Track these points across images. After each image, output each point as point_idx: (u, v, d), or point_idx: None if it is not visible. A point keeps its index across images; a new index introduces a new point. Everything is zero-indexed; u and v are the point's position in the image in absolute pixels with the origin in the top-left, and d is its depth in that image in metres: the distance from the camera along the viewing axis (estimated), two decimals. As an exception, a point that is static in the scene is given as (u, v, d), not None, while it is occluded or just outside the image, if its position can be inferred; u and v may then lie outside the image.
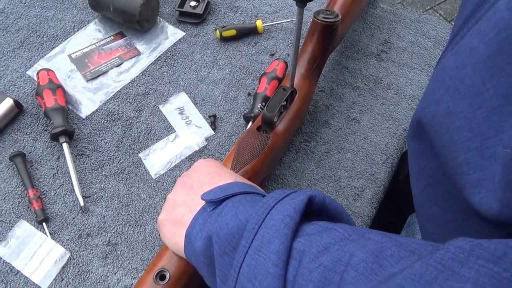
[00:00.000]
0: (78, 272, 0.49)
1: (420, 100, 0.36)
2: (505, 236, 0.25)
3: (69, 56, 0.65)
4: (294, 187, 0.56)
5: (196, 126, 0.60)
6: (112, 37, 0.68)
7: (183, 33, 0.69)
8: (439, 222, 0.35)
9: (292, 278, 0.26)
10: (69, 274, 0.49)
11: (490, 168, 0.25)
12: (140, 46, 0.67)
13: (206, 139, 0.59)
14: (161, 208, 0.48)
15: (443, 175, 0.32)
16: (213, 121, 0.60)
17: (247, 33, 0.68)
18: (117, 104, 0.62)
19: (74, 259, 0.50)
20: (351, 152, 0.59)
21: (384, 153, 0.59)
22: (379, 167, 0.58)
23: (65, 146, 0.55)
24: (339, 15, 0.52)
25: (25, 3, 0.70)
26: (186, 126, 0.60)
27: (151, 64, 0.66)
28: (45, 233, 0.51)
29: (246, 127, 0.60)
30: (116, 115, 0.61)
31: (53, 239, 0.51)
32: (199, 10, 0.69)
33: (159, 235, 0.52)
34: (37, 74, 0.59)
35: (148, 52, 0.67)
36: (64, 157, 0.55)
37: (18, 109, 0.59)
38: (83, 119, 0.60)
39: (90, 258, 0.50)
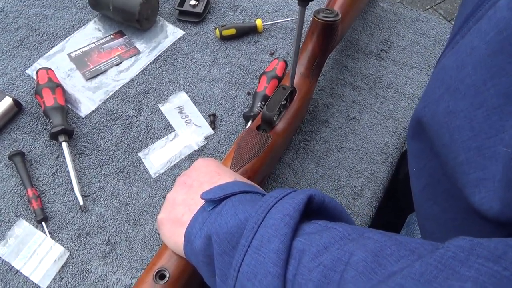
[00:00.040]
0: (77, 271, 0.49)
1: (420, 99, 0.36)
2: (505, 235, 0.25)
3: (69, 55, 0.65)
4: (293, 186, 0.56)
5: (195, 125, 0.60)
6: (112, 36, 0.68)
7: (183, 32, 0.69)
8: (439, 222, 0.35)
9: (291, 277, 0.26)
10: (68, 274, 0.49)
11: (490, 168, 0.25)
12: (139, 45, 0.67)
13: (206, 138, 0.59)
14: (160, 207, 0.48)
15: (443, 174, 0.32)
16: (213, 120, 0.60)
17: (246, 32, 0.68)
18: (117, 103, 0.61)
19: (73, 258, 0.50)
20: (350, 151, 0.59)
21: (384, 152, 0.59)
22: (379, 166, 0.58)
23: (64, 145, 0.55)
24: (339, 14, 0.52)
25: (24, 2, 0.70)
26: (186, 125, 0.60)
27: (150, 63, 0.65)
28: (45, 232, 0.51)
29: (245, 126, 0.59)
30: (115, 114, 0.61)
31: (53, 238, 0.51)
32: (199, 9, 0.69)
33: (159, 234, 0.52)
34: (37, 73, 0.59)
35: (147, 51, 0.66)
36: (64, 156, 0.55)
37: (17, 108, 0.59)
38: (83, 118, 0.60)
39: (89, 258, 0.50)
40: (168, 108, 0.61)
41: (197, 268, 0.34)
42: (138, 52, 0.66)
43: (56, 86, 0.58)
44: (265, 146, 0.46)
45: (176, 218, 0.36)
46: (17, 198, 0.53)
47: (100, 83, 0.63)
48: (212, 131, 0.60)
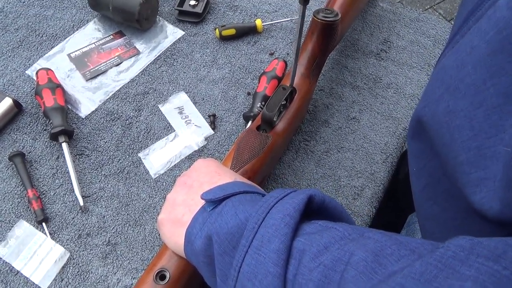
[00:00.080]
0: (78, 272, 0.49)
1: (420, 99, 0.36)
2: (505, 235, 0.25)
3: (69, 55, 0.65)
4: (293, 187, 0.56)
5: (195, 125, 0.60)
6: (112, 36, 0.68)
7: (183, 32, 0.69)
8: (439, 221, 0.35)
9: (292, 277, 0.26)
10: (68, 274, 0.49)
11: (491, 167, 0.25)
12: (139, 45, 0.67)
13: (206, 139, 0.59)
14: (160, 208, 0.47)
15: (443, 174, 0.32)
16: (213, 121, 0.60)
17: (246, 32, 0.68)
18: (117, 104, 0.61)
19: (73, 259, 0.50)
20: (350, 151, 0.59)
21: (384, 152, 0.59)
22: (379, 166, 0.58)
23: (64, 145, 0.55)
24: (338, 14, 0.52)
25: (24, 2, 0.70)
26: (186, 125, 0.60)
27: (150, 63, 0.65)
28: (45, 233, 0.51)
29: (245, 127, 0.59)
30: (115, 115, 0.61)
31: (53, 239, 0.51)
32: (199, 9, 0.69)
33: (159, 234, 0.52)
34: (36, 73, 0.59)
35: (147, 51, 0.67)
36: (64, 157, 0.55)
37: (17, 109, 0.59)
38: (83, 118, 0.60)
39: (90, 258, 0.50)
40: (168, 109, 0.61)
41: (197, 268, 0.34)
42: (138, 53, 0.66)
43: (56, 87, 0.58)
44: (265, 146, 0.46)
45: (176, 219, 0.36)
46: (17, 199, 0.53)
47: (100, 83, 0.63)
48: (212, 132, 0.60)
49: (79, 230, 0.52)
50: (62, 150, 0.55)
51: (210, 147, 0.58)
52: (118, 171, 0.56)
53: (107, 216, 0.53)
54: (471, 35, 0.29)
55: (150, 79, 0.64)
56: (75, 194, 0.53)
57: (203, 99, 0.62)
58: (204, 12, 0.69)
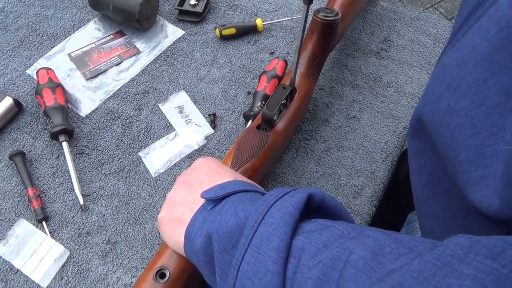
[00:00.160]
0: (77, 270, 0.49)
1: (421, 98, 0.36)
2: (504, 233, 0.25)
3: (69, 55, 0.65)
4: (293, 185, 0.56)
5: (195, 124, 0.60)
6: (112, 36, 0.68)
7: (183, 32, 0.69)
8: (439, 220, 0.35)
9: (291, 275, 0.26)
10: (68, 273, 0.49)
11: (491, 166, 0.25)
12: (139, 44, 0.67)
13: (206, 138, 0.59)
14: (160, 207, 0.48)
15: (444, 172, 0.31)
16: (213, 120, 0.60)
17: (246, 31, 0.68)
18: (117, 103, 0.61)
19: (73, 257, 0.50)
20: (350, 150, 0.59)
21: (384, 151, 0.59)
22: (379, 165, 0.58)
23: (64, 145, 0.55)
24: (339, 14, 0.52)
25: (24, 2, 0.70)
26: (186, 124, 0.60)
27: (150, 62, 0.65)
28: (45, 232, 0.51)
29: (245, 126, 0.59)
30: (115, 114, 0.61)
31: (53, 238, 0.51)
32: (199, 9, 0.69)
33: (159, 233, 0.52)
34: (37, 73, 0.59)
35: (147, 51, 0.67)
36: (64, 156, 0.55)
37: (17, 108, 0.59)
38: (83, 118, 0.60)
39: (89, 257, 0.50)
40: (168, 108, 0.61)
41: (197, 267, 0.34)
42: (138, 52, 0.66)
43: (56, 86, 0.58)
44: (265, 145, 0.46)
45: (176, 217, 0.36)
46: (17, 197, 0.53)
47: (100, 83, 0.63)
48: (212, 131, 0.60)
49: (79, 229, 0.52)
50: (62, 149, 0.55)
51: (210, 146, 0.58)
52: (118, 170, 0.56)
53: (107, 215, 0.53)
54: (472, 33, 0.29)
55: (151, 79, 0.64)
56: (75, 193, 0.53)
57: (203, 98, 0.62)
58: (204, 12, 0.69)
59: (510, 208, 0.24)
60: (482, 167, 0.26)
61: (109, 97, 0.62)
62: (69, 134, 0.56)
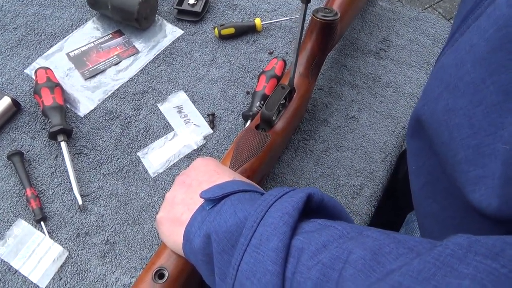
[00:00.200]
0: (76, 271, 0.49)
1: (419, 97, 0.36)
2: (503, 233, 0.25)
3: (67, 54, 0.65)
4: (292, 186, 0.56)
5: (194, 124, 0.60)
6: (110, 36, 0.68)
7: (182, 31, 0.69)
8: (438, 220, 0.35)
9: (290, 275, 0.26)
10: (67, 273, 0.49)
11: (489, 165, 0.25)
12: (138, 44, 0.67)
13: (205, 138, 0.59)
14: (159, 207, 0.47)
15: (442, 172, 0.31)
16: (212, 120, 0.60)
17: (245, 31, 0.68)
18: (116, 103, 0.61)
19: (72, 258, 0.50)
20: (349, 150, 0.59)
21: (383, 151, 0.59)
22: (378, 165, 0.58)
23: (63, 144, 0.54)
24: (338, 13, 0.52)
25: (23, 1, 0.70)
26: (185, 124, 0.60)
27: (149, 62, 0.65)
28: (43, 232, 0.51)
29: (244, 126, 0.59)
30: (114, 114, 0.60)
31: (51, 238, 0.51)
32: (198, 8, 0.69)
33: (158, 233, 0.51)
34: (35, 72, 0.59)
35: (146, 51, 0.66)
36: (62, 156, 0.55)
37: (16, 108, 0.59)
38: (81, 117, 0.60)
39: (88, 257, 0.50)
40: (167, 108, 0.61)
41: (196, 267, 0.34)
42: (137, 52, 0.66)
43: (54, 86, 0.58)
44: (264, 145, 0.46)
45: (175, 217, 0.36)
46: (15, 198, 0.53)
47: (99, 82, 0.63)
48: (211, 131, 0.60)
49: (78, 229, 0.52)
50: (61, 149, 0.55)
51: (209, 146, 0.58)
52: (117, 170, 0.56)
53: (106, 215, 0.53)
54: (470, 33, 0.29)
55: (149, 78, 0.64)
56: (73, 193, 0.53)
57: (202, 98, 0.62)
58: (203, 11, 0.69)
59: (509, 207, 0.24)
60: (480, 167, 0.26)
61: (107, 97, 0.62)
62: (68, 134, 0.56)
